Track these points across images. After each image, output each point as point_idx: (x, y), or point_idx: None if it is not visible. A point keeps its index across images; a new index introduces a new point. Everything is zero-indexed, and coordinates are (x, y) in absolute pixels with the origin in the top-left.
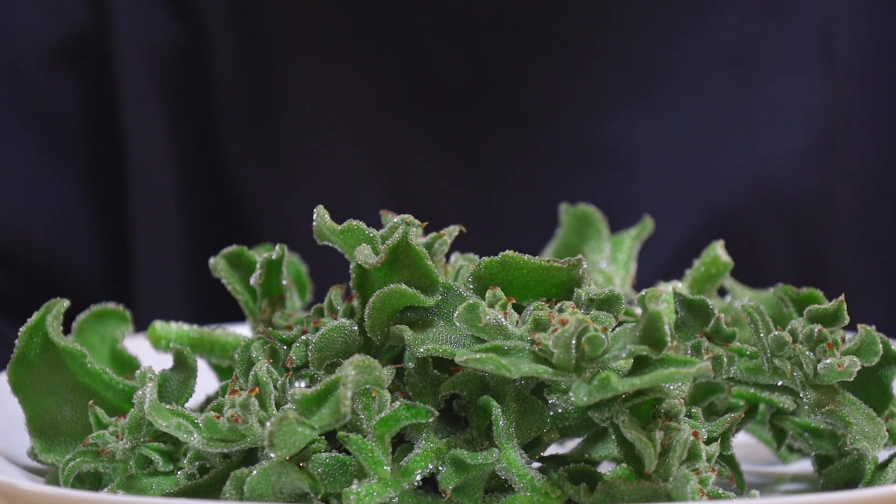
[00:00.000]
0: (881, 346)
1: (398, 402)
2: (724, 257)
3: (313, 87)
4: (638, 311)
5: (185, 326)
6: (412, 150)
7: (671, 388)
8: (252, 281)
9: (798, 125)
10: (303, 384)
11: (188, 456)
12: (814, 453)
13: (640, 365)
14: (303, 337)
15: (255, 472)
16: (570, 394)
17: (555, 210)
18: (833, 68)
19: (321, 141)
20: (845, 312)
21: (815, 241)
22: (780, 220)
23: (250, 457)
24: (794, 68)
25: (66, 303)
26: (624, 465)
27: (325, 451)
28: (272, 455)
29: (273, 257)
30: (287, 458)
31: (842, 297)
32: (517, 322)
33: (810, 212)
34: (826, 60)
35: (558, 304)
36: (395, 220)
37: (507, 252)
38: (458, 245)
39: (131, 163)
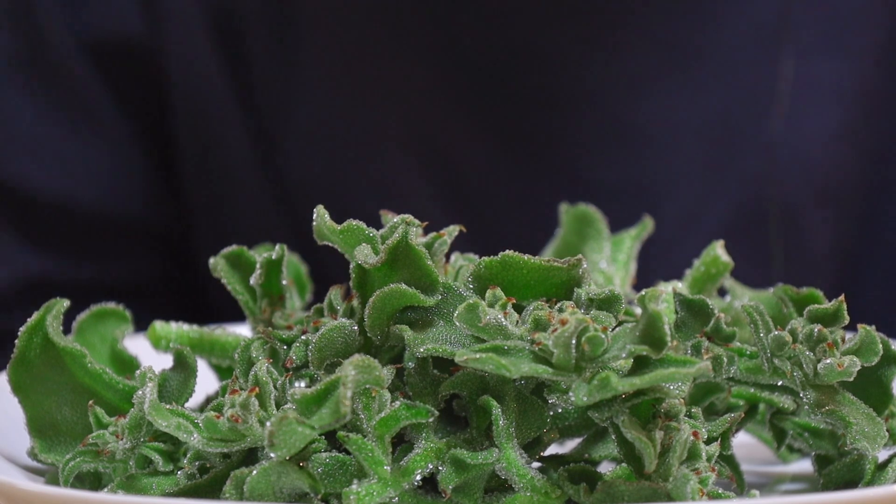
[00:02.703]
0: (881, 346)
1: (398, 402)
2: (724, 257)
3: (351, 71)
4: (638, 311)
5: (185, 326)
6: (451, 131)
7: (671, 388)
8: (252, 281)
9: (831, 104)
10: (303, 384)
11: (188, 456)
12: (814, 453)
13: (640, 365)
14: (303, 337)
15: (255, 472)
16: (570, 394)
17: (592, 189)
18: (866, 47)
19: (361, 127)
20: (845, 312)
21: (850, 219)
22: (816, 197)
23: (250, 457)
24: (828, 47)
25: (66, 303)
26: (624, 465)
27: (325, 451)
28: (272, 455)
29: (273, 257)
30: (287, 458)
31: (841, 298)
32: (517, 322)
33: (845, 189)
34: (859, 39)
35: (558, 304)
36: (395, 220)
37: (507, 252)
38: (500, 226)
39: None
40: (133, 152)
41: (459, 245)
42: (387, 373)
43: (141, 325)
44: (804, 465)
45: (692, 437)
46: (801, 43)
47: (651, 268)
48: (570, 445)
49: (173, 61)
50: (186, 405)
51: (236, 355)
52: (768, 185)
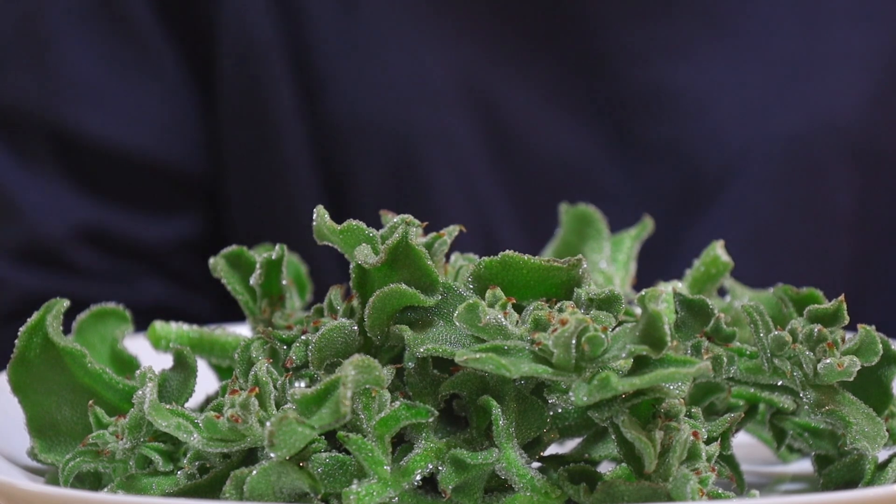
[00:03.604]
0: (881, 345)
1: (398, 402)
2: (724, 257)
3: (403, 26)
4: (638, 311)
5: (185, 326)
6: (500, 87)
7: (671, 387)
8: (252, 281)
9: (864, 69)
10: (303, 384)
11: (188, 456)
12: (814, 453)
13: (640, 365)
14: (303, 337)
15: (255, 472)
16: (570, 394)
17: (630, 152)
18: None
19: (411, 82)
20: (845, 312)
21: (881, 180)
22: (849, 159)
23: (250, 457)
24: (861, 14)
25: (66, 303)
26: (624, 465)
27: (325, 451)
28: (272, 455)
29: (273, 257)
30: (287, 457)
31: (841, 297)
32: (517, 322)
33: (876, 152)
34: (892, 7)
35: (558, 304)
36: (395, 219)
37: (507, 252)
38: (542, 176)
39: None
40: (188, 101)
41: (505, 205)
42: (387, 373)
43: (186, 280)
44: (804, 465)
45: (692, 437)
46: (834, 10)
47: (681, 235)
48: (570, 445)
49: (226, 9)
50: (186, 405)
51: (236, 355)
52: (802, 146)
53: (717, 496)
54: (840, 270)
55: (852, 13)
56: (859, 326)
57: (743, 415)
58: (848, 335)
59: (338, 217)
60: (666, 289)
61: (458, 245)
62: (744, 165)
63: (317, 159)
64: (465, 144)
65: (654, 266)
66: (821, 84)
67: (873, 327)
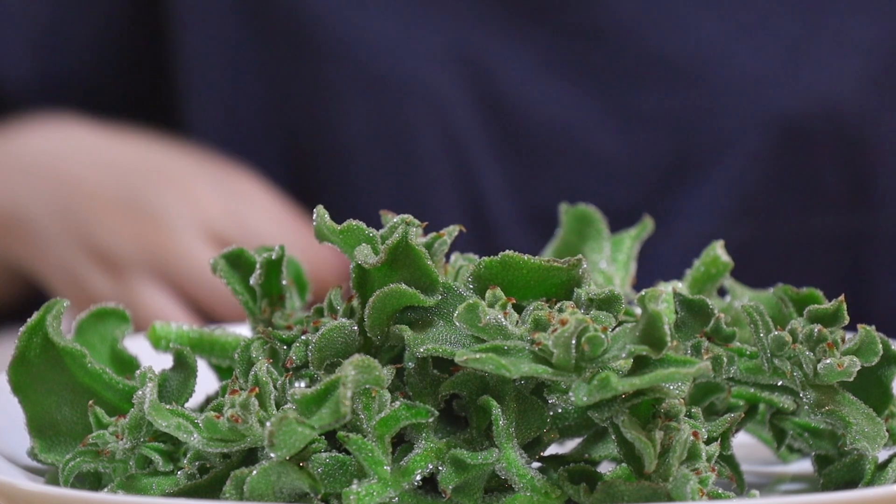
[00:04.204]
0: (881, 346)
1: (398, 402)
2: (724, 257)
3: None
4: (638, 311)
5: (185, 326)
6: (495, 54)
7: (671, 388)
8: (252, 281)
9: (861, 53)
10: (303, 384)
11: (188, 456)
12: (814, 453)
13: (640, 365)
14: (303, 337)
15: (255, 472)
16: (570, 394)
17: (623, 120)
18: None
19: (406, 47)
20: (845, 312)
21: (868, 165)
22: (838, 141)
23: (250, 457)
24: (859, 1)
25: (65, 303)
26: (624, 465)
27: (325, 451)
28: (272, 455)
29: (273, 257)
30: (287, 458)
31: (841, 298)
32: (517, 322)
33: (866, 136)
34: None
35: (558, 304)
36: (395, 219)
37: (507, 252)
38: (537, 142)
39: None
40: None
41: (495, 169)
42: (387, 373)
43: None
44: (804, 465)
45: (692, 437)
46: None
47: (670, 205)
48: (570, 445)
49: None
50: (186, 405)
51: (236, 355)
52: (794, 123)
53: (717, 496)
54: (829, 250)
55: (849, 2)
56: (859, 326)
57: (743, 415)
58: (848, 335)
59: (322, 172)
60: (666, 289)
61: (447, 210)
62: (736, 139)
63: (306, 112)
64: (456, 108)
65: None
66: (817, 65)
67: (873, 327)
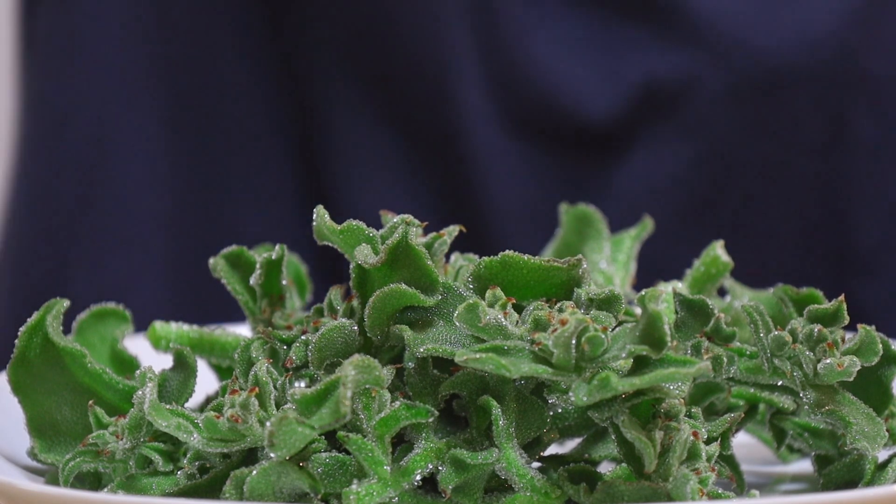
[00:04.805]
0: (881, 345)
1: (398, 402)
2: (724, 257)
3: None
4: (638, 311)
5: (185, 326)
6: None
7: (671, 387)
8: (252, 281)
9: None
10: (303, 384)
11: (188, 456)
12: (814, 453)
13: (640, 365)
14: (303, 337)
15: (255, 472)
16: (570, 394)
17: (598, 45)
18: None
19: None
20: (845, 312)
21: (843, 104)
22: (813, 79)
23: (250, 457)
24: None
25: (66, 303)
26: (624, 465)
27: (325, 451)
28: (272, 455)
29: (273, 257)
30: (287, 458)
31: (841, 298)
32: (517, 322)
33: (843, 75)
34: None
35: (558, 304)
36: (395, 219)
37: (507, 252)
38: (538, 94)
39: None
40: None
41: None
42: (387, 373)
43: None
44: (804, 465)
45: (692, 437)
46: None
47: (643, 140)
48: (570, 445)
49: None
50: (186, 405)
51: (236, 355)
52: (770, 60)
53: (717, 496)
54: (807, 193)
55: None
56: (859, 326)
57: (743, 415)
58: (848, 335)
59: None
60: (666, 289)
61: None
62: (707, 75)
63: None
64: (455, 46)
65: (599, 169)
66: (800, 3)
67: (873, 327)
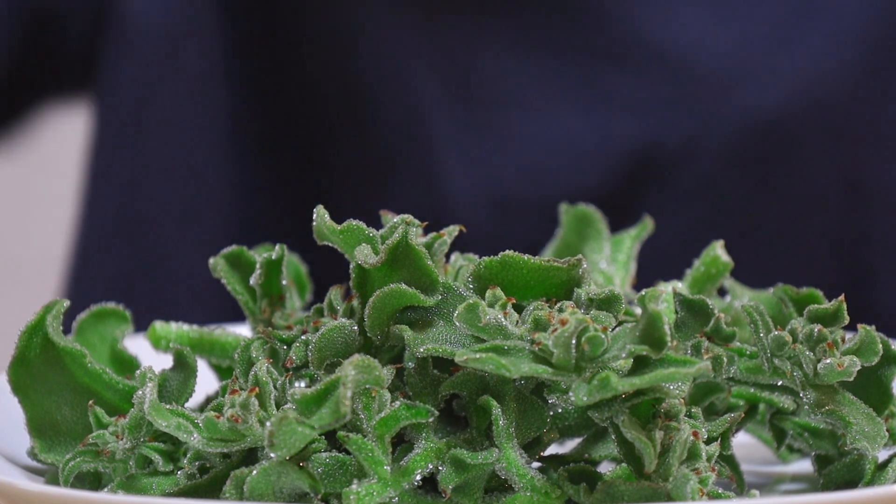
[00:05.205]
0: (881, 346)
1: (398, 402)
2: (724, 257)
3: None
4: (638, 311)
5: (185, 326)
6: (470, 34)
7: (671, 387)
8: (252, 281)
9: (852, 40)
10: (303, 384)
11: (188, 456)
12: (814, 453)
13: (640, 365)
14: (303, 337)
15: (255, 472)
16: (570, 394)
17: (607, 100)
18: None
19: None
20: (845, 312)
21: (859, 158)
22: (825, 131)
23: (250, 457)
24: None
25: (66, 303)
26: (624, 465)
27: (325, 451)
28: (272, 455)
29: (273, 257)
30: (287, 457)
31: (841, 298)
32: (517, 322)
33: (856, 127)
34: None
35: (558, 304)
36: (395, 219)
37: (507, 252)
38: (507, 119)
39: None
40: None
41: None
42: (387, 373)
43: None
44: (804, 465)
45: (692, 437)
46: None
47: (648, 201)
48: (570, 445)
49: None
50: (186, 405)
51: (236, 355)
52: (777, 112)
53: (717, 496)
54: (826, 253)
55: None
56: (859, 326)
57: (743, 415)
58: (848, 335)
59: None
60: (666, 289)
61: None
62: (713, 132)
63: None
64: (420, 80)
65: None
66: (805, 54)
67: (873, 327)
